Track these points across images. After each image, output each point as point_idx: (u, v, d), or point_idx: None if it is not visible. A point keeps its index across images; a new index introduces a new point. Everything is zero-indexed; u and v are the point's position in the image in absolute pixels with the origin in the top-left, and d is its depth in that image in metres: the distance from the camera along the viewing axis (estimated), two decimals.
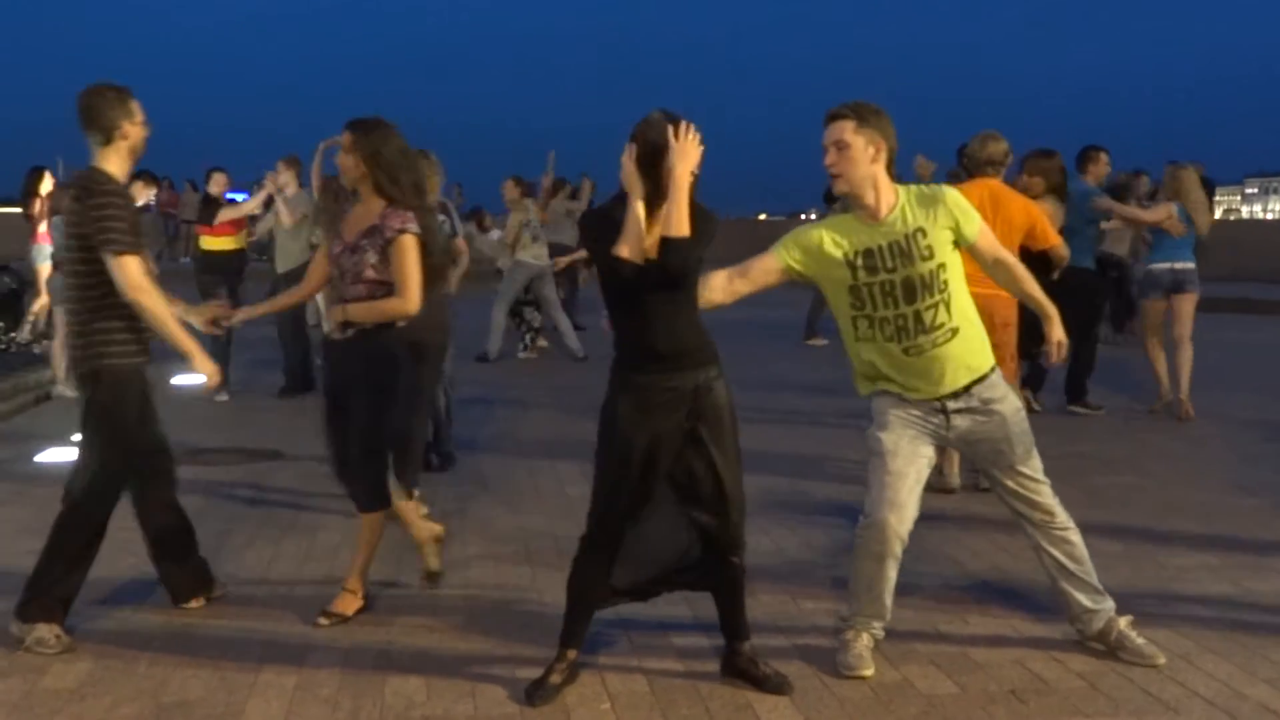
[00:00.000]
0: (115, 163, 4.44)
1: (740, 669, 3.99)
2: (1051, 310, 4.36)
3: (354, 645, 4.34)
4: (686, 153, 3.61)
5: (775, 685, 3.92)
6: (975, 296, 4.60)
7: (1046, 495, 4.19)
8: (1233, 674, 4.07)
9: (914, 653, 4.26)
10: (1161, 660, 4.13)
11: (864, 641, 4.12)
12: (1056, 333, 4.34)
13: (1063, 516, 4.22)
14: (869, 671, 4.05)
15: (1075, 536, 4.24)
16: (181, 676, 4.06)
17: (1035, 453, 4.20)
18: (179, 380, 10.18)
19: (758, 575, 4.95)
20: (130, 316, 4.41)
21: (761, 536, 5.72)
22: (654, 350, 3.72)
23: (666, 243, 3.59)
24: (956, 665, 4.16)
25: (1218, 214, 26.83)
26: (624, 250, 3.62)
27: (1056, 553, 4.22)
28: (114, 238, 4.28)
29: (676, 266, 3.61)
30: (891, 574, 4.12)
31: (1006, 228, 6.42)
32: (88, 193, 4.33)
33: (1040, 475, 4.19)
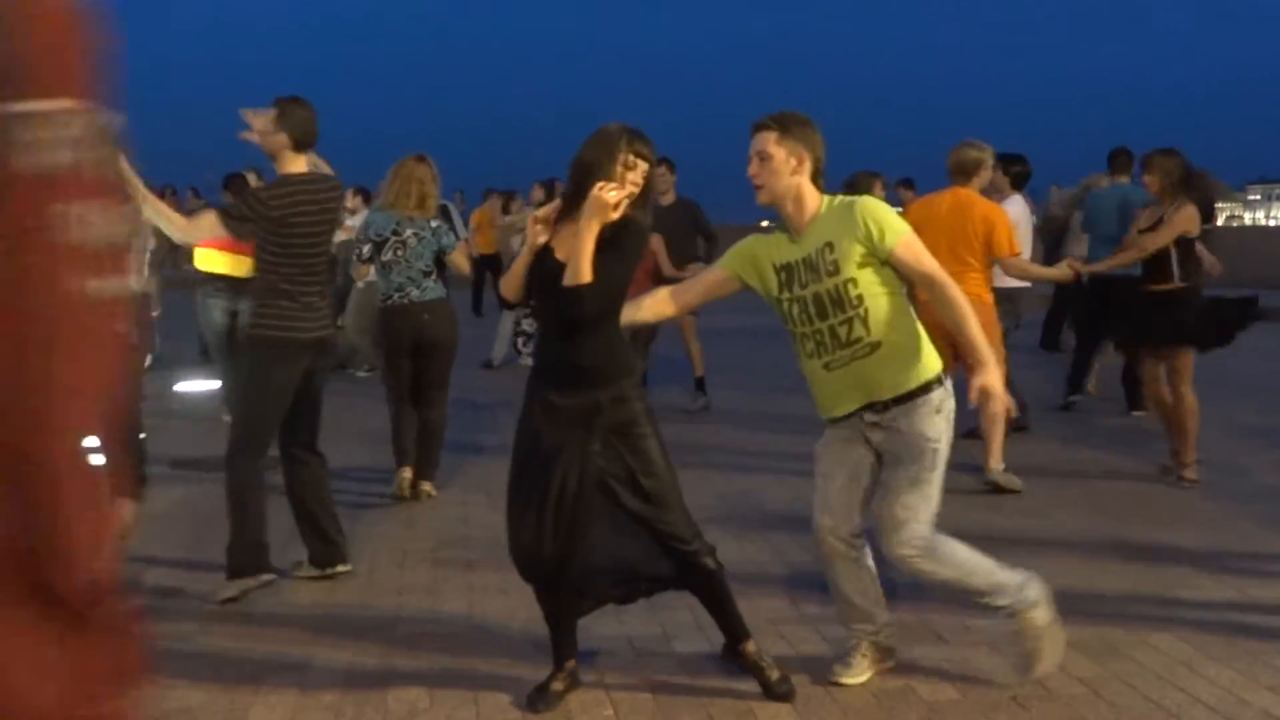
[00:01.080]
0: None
1: (747, 669, 3.98)
2: (984, 357, 3.79)
3: (357, 652, 4.35)
4: (596, 208, 3.59)
5: (780, 693, 3.91)
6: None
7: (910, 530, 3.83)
8: (1235, 680, 4.07)
9: (915, 658, 4.26)
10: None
11: (861, 649, 4.09)
12: (980, 380, 3.75)
13: (919, 566, 3.86)
14: (851, 679, 4.02)
15: (940, 577, 3.90)
16: (184, 683, 4.07)
17: (921, 495, 3.83)
18: (183, 387, 10.21)
19: (759, 581, 4.96)
20: None
21: (763, 544, 5.73)
22: (556, 363, 3.78)
23: (568, 290, 3.62)
24: (958, 671, 4.16)
25: (1220, 220, 26.76)
26: (503, 284, 3.88)
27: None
28: None
29: (575, 313, 3.65)
30: (853, 574, 4.04)
31: (965, 236, 6.53)
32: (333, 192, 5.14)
33: (909, 515, 3.83)
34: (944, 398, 3.92)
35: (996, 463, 6.65)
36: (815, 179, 3.91)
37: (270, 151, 5.00)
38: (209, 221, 4.87)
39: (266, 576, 5.04)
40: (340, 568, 5.25)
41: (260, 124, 4.94)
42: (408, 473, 6.71)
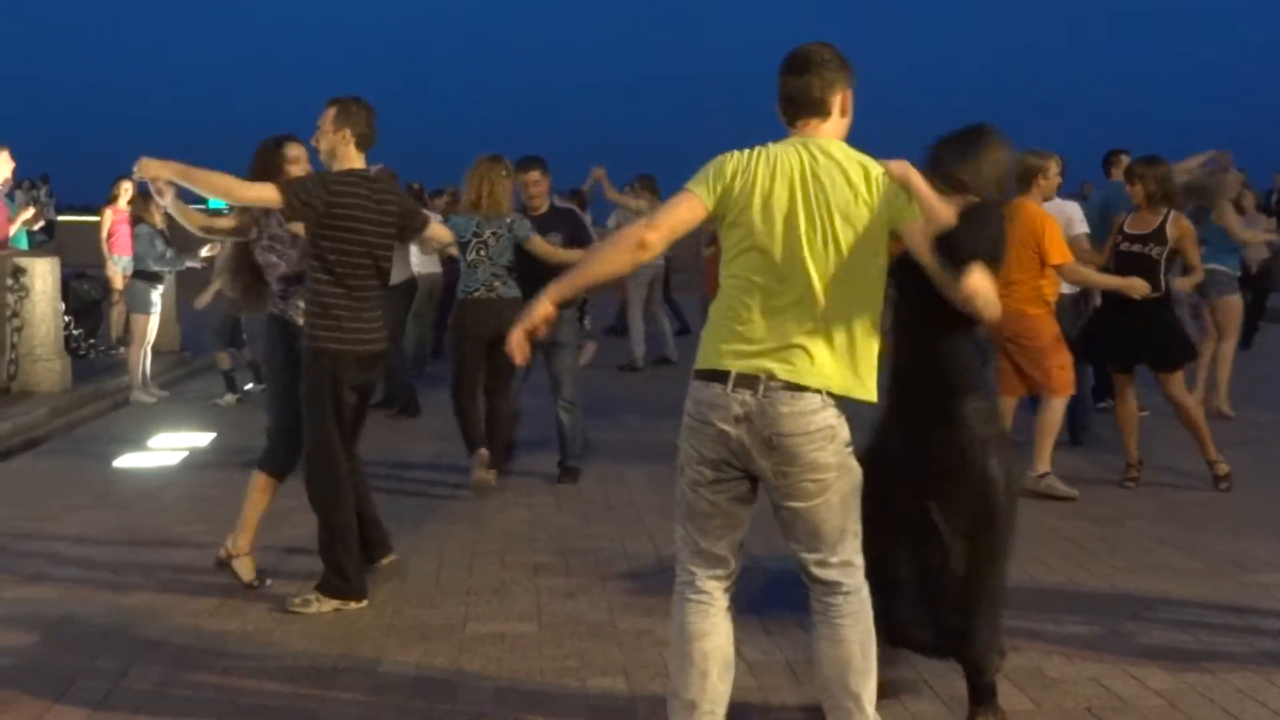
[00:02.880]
0: None
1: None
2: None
3: (425, 653, 4.38)
4: None
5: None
6: None
7: None
8: None
9: None
10: None
11: None
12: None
13: None
14: None
15: None
16: (256, 680, 4.12)
17: None
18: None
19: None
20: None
21: None
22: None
23: None
24: (1031, 681, 4.10)
25: None
26: None
27: None
28: None
29: None
30: None
31: (1016, 245, 6.41)
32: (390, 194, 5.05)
33: None
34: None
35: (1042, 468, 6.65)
36: None
37: (330, 150, 4.85)
38: (269, 193, 4.68)
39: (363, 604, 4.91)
40: (385, 560, 5.16)
41: (321, 122, 4.83)
42: (485, 457, 6.77)
